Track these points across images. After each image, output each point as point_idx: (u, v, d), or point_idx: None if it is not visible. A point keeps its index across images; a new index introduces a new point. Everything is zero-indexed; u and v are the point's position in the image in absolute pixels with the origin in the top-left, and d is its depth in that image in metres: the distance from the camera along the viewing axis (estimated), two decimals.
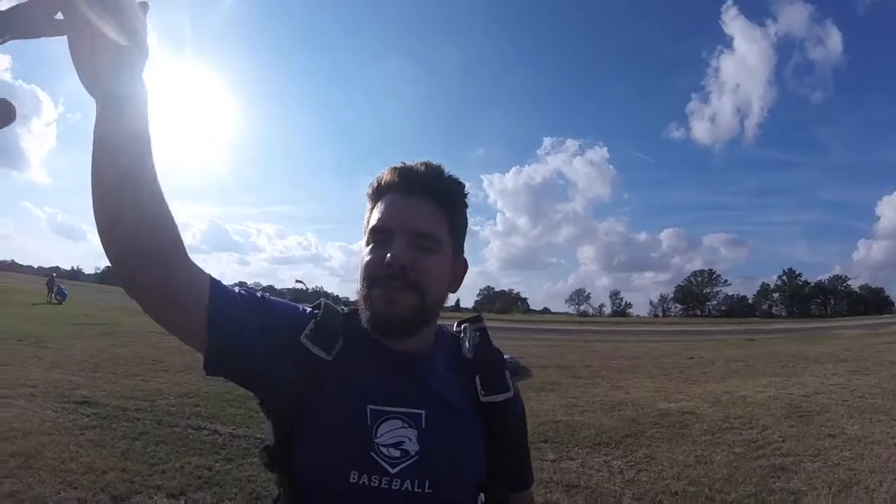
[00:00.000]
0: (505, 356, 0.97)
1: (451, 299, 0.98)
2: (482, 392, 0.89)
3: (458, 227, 0.92)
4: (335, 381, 0.83)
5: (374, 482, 0.80)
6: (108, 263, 0.73)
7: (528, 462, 1.02)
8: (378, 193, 0.90)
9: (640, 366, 10.98)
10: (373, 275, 0.84)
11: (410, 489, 0.81)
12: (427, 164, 0.89)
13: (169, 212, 0.75)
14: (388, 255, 0.82)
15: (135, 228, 0.71)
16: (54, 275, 27.10)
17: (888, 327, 22.78)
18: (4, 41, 0.59)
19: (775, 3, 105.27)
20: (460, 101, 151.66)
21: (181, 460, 4.00)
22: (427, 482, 0.82)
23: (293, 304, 0.91)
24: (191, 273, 0.78)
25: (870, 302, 71.42)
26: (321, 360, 0.83)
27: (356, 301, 0.88)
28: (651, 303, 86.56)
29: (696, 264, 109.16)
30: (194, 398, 5.94)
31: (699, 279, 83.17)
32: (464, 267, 0.95)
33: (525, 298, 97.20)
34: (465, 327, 0.96)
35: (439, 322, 0.95)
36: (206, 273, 0.81)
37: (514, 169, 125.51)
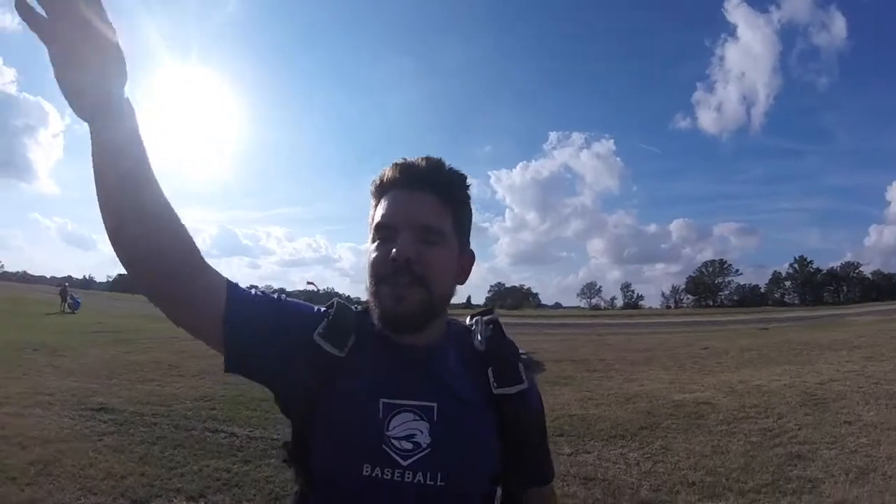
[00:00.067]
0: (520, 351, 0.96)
1: (462, 296, 0.99)
2: (495, 384, 0.89)
3: (462, 219, 0.92)
4: (347, 377, 0.84)
5: (387, 475, 0.81)
6: (120, 271, 0.75)
7: (548, 456, 1.01)
8: (380, 190, 0.91)
9: (653, 357, 10.93)
10: (380, 272, 0.84)
11: (422, 481, 0.81)
12: (427, 159, 0.90)
13: (174, 215, 0.77)
14: (394, 249, 0.82)
15: (140, 232, 0.73)
16: (67, 284, 27.37)
17: None
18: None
19: None
20: (465, 97, 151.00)
21: (199, 463, 4.05)
22: (439, 474, 0.82)
23: (308, 304, 0.92)
24: (208, 277, 0.81)
25: (882, 288, 70.35)
26: (333, 358, 0.84)
27: (368, 300, 0.89)
28: (663, 294, 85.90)
29: (707, 254, 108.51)
30: (210, 402, 6.00)
31: (710, 269, 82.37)
32: (471, 259, 0.95)
33: (536, 293, 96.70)
34: (477, 320, 0.95)
35: (452, 316, 0.95)
36: (223, 277, 0.83)
37: (521, 164, 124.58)
